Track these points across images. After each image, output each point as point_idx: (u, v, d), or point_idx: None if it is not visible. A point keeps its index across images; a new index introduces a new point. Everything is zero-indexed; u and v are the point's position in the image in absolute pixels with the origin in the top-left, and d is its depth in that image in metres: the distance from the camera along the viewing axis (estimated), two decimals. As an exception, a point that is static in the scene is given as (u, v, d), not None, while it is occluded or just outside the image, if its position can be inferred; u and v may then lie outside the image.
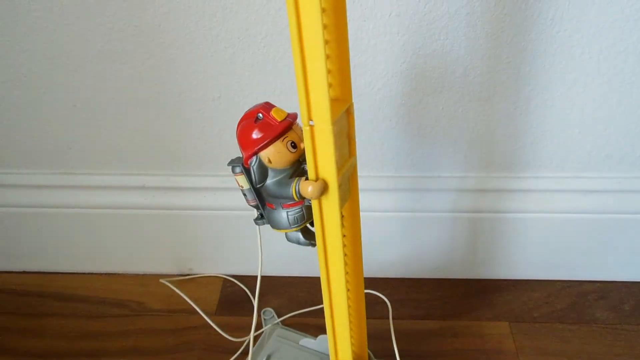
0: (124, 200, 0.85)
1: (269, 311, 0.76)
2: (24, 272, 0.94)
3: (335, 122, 0.40)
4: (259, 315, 0.77)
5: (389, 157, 0.78)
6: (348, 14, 0.41)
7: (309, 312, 0.82)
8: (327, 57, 0.39)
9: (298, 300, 0.86)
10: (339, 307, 0.51)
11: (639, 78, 0.69)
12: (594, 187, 0.79)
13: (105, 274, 0.93)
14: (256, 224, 0.51)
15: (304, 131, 0.40)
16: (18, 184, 0.85)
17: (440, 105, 0.73)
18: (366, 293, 0.56)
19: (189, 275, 0.92)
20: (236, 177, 0.48)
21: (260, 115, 0.45)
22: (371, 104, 0.73)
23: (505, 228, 0.83)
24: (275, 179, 0.46)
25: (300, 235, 0.49)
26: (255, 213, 0.50)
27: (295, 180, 0.45)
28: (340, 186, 0.42)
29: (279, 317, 0.77)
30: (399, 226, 0.84)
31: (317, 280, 0.51)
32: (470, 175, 0.79)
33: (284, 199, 0.46)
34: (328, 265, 0.48)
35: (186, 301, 0.85)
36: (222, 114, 0.76)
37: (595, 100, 0.71)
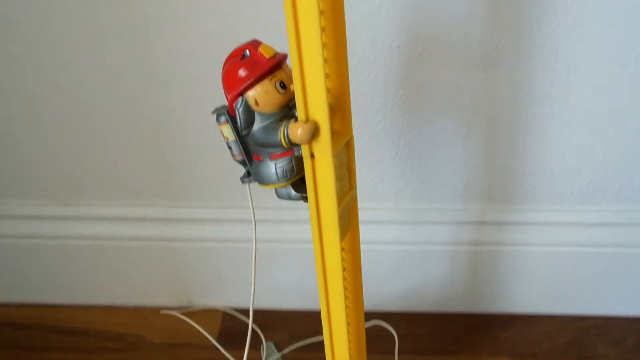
0: (124, 232, 0.85)
1: (270, 345, 0.76)
2: (22, 305, 0.93)
3: (336, 155, 0.40)
4: (253, 332, 0.76)
5: (389, 189, 0.78)
6: (348, 47, 0.42)
7: (311, 345, 0.81)
8: (328, 91, 0.40)
9: (299, 334, 0.86)
10: (339, 340, 0.51)
11: (633, 112, 0.70)
12: (593, 219, 0.79)
13: (105, 306, 0.93)
14: (242, 182, 0.47)
15: (305, 163, 0.41)
16: (16, 215, 0.85)
17: (440, 136, 0.73)
18: (370, 326, 0.56)
19: (189, 307, 0.91)
20: (220, 127, 0.44)
21: (247, 52, 0.41)
22: (371, 135, 0.74)
23: (505, 261, 0.82)
24: (262, 125, 0.42)
25: (290, 189, 0.45)
26: (242, 171, 0.47)
27: (284, 124, 0.41)
28: (340, 218, 0.43)
29: (279, 350, 0.76)
30: (399, 259, 0.84)
31: (319, 313, 0.50)
32: (470, 207, 0.79)
33: (271, 148, 0.43)
34: (328, 296, 0.48)
35: (186, 334, 0.84)
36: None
37: (594, 132, 0.72)
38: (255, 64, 0.41)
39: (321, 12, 0.36)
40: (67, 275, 0.90)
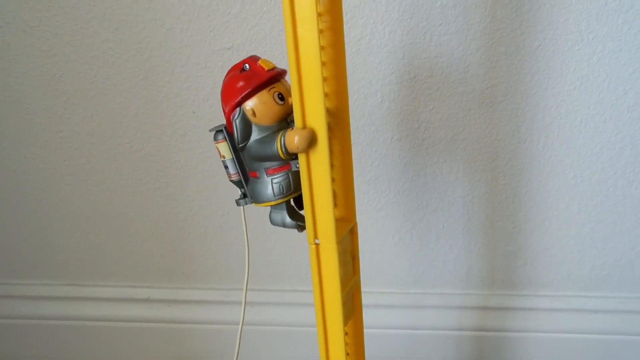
0: (128, 313, 0.85)
1: None
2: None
3: (339, 242, 0.42)
4: None
5: (392, 274, 0.79)
6: (352, 138, 0.45)
7: None
8: (332, 180, 0.42)
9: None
10: None
11: (630, 200, 0.72)
12: (597, 306, 0.79)
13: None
14: (237, 204, 0.45)
15: (309, 249, 0.42)
16: (20, 295, 0.86)
17: (441, 224, 0.75)
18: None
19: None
20: (217, 145, 0.43)
21: (247, 65, 0.42)
22: (374, 221, 0.75)
23: (509, 347, 0.81)
24: (259, 137, 0.41)
25: (285, 216, 0.44)
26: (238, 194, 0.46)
27: (281, 133, 0.40)
28: (344, 303, 0.44)
29: None
30: (403, 344, 0.83)
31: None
32: (473, 292, 0.79)
33: (268, 162, 0.42)
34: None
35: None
36: (230, 229, 0.78)
37: (592, 220, 0.74)
38: (254, 75, 0.41)
39: (320, 31, 0.37)
40: (70, 357, 0.89)
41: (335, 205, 0.44)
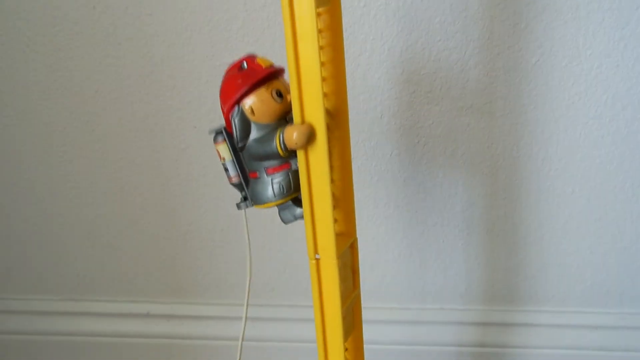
0: (127, 329, 0.84)
1: None
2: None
3: (340, 256, 0.42)
4: None
5: (392, 289, 0.79)
6: (352, 153, 0.45)
7: None
8: (333, 195, 0.42)
9: None
10: None
11: (630, 215, 0.72)
12: (598, 322, 0.78)
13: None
14: (238, 207, 0.45)
15: (310, 264, 0.42)
16: (17, 310, 0.85)
17: (441, 239, 0.75)
18: None
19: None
20: (217, 146, 0.43)
21: (245, 64, 0.42)
22: (374, 235, 0.76)
23: (510, 363, 0.81)
24: (258, 136, 0.41)
25: (295, 208, 0.43)
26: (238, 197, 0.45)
27: (280, 130, 0.40)
28: (344, 319, 0.44)
29: None
30: (403, 359, 0.82)
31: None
32: (473, 307, 0.79)
33: (267, 161, 0.42)
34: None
35: None
36: (229, 244, 0.78)
37: (591, 234, 0.74)
38: (252, 73, 0.41)
39: (321, 47, 0.38)
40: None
41: (335, 221, 0.44)
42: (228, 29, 0.67)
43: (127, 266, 0.82)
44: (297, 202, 0.43)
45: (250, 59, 0.42)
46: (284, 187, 0.42)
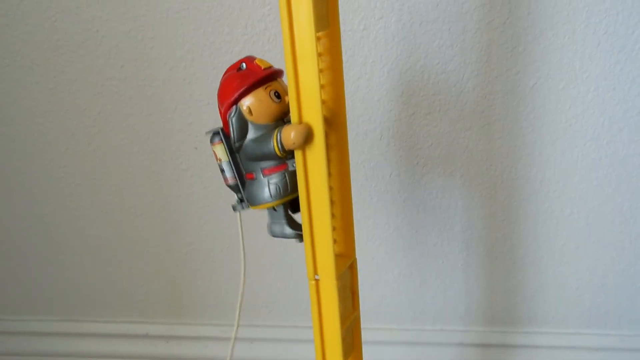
0: (125, 350, 0.84)
1: None
2: None
3: (339, 277, 0.42)
4: None
5: (392, 310, 0.79)
6: (352, 174, 0.45)
7: None
8: (332, 215, 0.43)
9: None
10: None
11: (628, 237, 0.72)
12: (597, 344, 0.78)
13: None
14: (234, 209, 0.45)
15: (309, 285, 0.42)
16: (15, 331, 0.85)
17: (440, 260, 0.75)
18: None
19: None
20: (214, 147, 0.43)
21: (244, 65, 0.42)
22: (374, 256, 0.76)
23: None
24: (255, 136, 0.41)
25: (285, 227, 0.43)
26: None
27: (277, 130, 0.40)
28: (343, 340, 0.44)
29: None
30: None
31: None
32: (473, 329, 0.79)
33: (264, 162, 0.41)
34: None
35: None
36: (229, 265, 0.78)
37: (590, 256, 0.74)
38: (250, 74, 0.41)
39: (320, 70, 0.38)
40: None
41: (335, 241, 0.44)
42: (229, 52, 0.68)
43: (126, 286, 0.82)
44: (295, 205, 0.43)
45: (249, 60, 0.42)
46: (281, 188, 0.42)
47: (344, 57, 0.54)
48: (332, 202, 0.45)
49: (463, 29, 0.65)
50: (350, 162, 0.46)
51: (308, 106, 0.38)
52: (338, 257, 0.45)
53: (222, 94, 0.42)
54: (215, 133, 0.43)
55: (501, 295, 0.77)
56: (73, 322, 0.85)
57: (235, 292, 0.80)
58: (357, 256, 0.47)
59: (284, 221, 0.43)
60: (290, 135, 0.38)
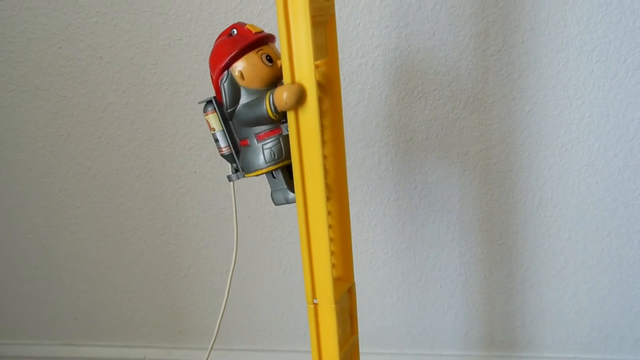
0: (123, 374, 0.84)
1: None
2: None
3: (338, 301, 0.42)
4: None
5: (391, 334, 0.79)
6: (350, 198, 0.46)
7: None
8: (331, 239, 0.43)
9: None
10: None
11: (626, 260, 0.72)
12: (598, 369, 0.78)
13: None
14: (229, 179, 0.44)
15: (308, 309, 0.43)
16: (12, 356, 0.85)
17: (439, 284, 0.75)
18: None
19: None
20: (207, 117, 0.43)
21: (235, 30, 0.41)
22: (372, 280, 0.76)
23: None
24: (247, 101, 0.41)
25: (287, 192, 0.42)
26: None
27: (269, 92, 0.39)
28: (341, 364, 0.44)
29: None
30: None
31: None
32: (472, 353, 0.79)
33: (258, 127, 0.41)
34: None
35: None
36: (224, 291, 0.78)
37: (588, 280, 0.74)
38: (241, 38, 0.41)
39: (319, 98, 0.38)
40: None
41: (333, 265, 0.45)
42: (230, 78, 0.69)
43: (125, 310, 0.82)
44: (290, 173, 0.42)
45: (240, 25, 0.42)
46: (275, 152, 0.41)
47: (342, 84, 0.55)
48: (330, 226, 0.45)
49: (459, 56, 0.66)
50: (349, 186, 0.47)
51: (301, 66, 0.37)
52: (336, 281, 0.45)
53: (213, 61, 0.42)
54: (208, 102, 0.43)
55: (500, 320, 0.77)
56: (72, 346, 0.84)
57: (233, 317, 0.80)
58: (355, 280, 0.47)
59: (285, 187, 0.43)
60: (282, 95, 0.38)
